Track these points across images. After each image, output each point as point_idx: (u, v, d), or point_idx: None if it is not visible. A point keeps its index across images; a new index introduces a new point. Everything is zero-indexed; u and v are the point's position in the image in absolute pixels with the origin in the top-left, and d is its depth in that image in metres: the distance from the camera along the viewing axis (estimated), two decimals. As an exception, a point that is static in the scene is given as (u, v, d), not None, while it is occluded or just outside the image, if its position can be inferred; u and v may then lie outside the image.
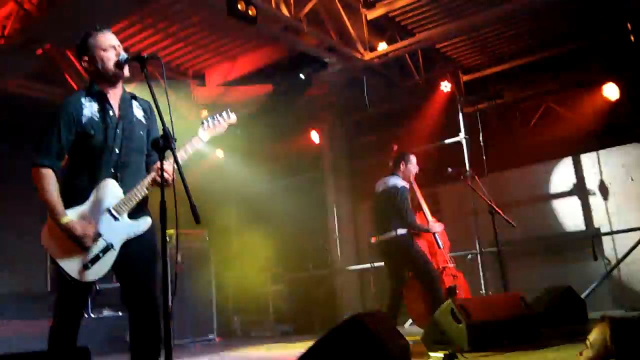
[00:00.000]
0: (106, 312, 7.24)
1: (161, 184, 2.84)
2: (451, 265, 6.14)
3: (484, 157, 8.06)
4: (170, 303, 2.69)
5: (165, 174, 2.87)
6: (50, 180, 2.97)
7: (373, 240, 6.11)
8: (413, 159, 6.12)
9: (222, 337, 8.09)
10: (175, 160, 2.81)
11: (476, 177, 6.14)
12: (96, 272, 2.94)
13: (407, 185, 5.96)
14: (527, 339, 4.49)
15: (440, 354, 3.76)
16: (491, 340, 4.41)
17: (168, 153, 2.84)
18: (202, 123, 3.31)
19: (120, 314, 7.07)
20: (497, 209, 5.68)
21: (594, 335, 2.00)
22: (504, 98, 8.67)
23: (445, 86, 8.14)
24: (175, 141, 2.83)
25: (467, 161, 8.16)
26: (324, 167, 9.58)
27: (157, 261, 3.13)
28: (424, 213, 6.15)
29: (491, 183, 7.98)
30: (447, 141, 8.27)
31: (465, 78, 8.67)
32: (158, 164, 3.01)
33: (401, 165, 6.05)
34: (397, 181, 5.93)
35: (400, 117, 8.91)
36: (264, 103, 8.49)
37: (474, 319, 4.48)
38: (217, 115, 3.35)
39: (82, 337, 3.07)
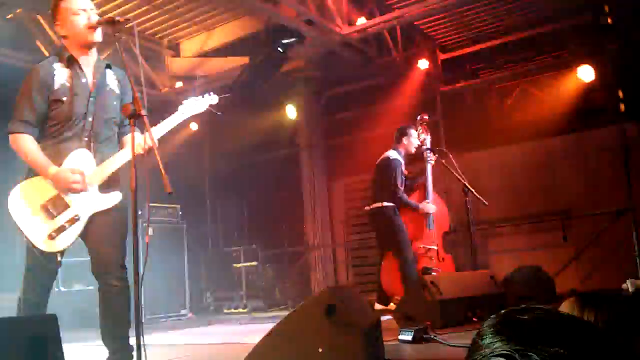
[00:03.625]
0: (76, 286, 7.15)
1: (132, 153, 2.77)
2: (435, 247, 6.10)
3: (459, 136, 8.10)
4: (141, 276, 2.64)
5: (137, 146, 2.82)
6: (29, 142, 2.94)
7: (366, 209, 6.27)
8: (414, 132, 6.16)
9: (194, 312, 8.07)
10: (147, 128, 2.76)
11: (450, 156, 6.16)
12: (61, 242, 2.89)
13: (401, 159, 6.03)
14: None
15: (412, 330, 3.78)
16: (461, 316, 4.48)
17: (140, 123, 2.79)
18: (183, 102, 3.26)
19: (90, 287, 6.98)
20: (470, 187, 5.71)
21: (562, 310, 2.00)
22: (480, 78, 8.70)
23: (423, 64, 8.12)
24: (148, 110, 2.76)
25: (442, 139, 8.20)
26: (300, 142, 9.52)
27: (125, 234, 3.09)
28: (426, 191, 6.13)
29: (465, 162, 8.03)
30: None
31: (443, 56, 8.65)
32: (128, 137, 2.96)
33: (403, 140, 6.13)
34: (391, 154, 6.05)
35: (377, 94, 8.88)
36: (239, 76, 8.36)
37: (445, 295, 4.53)
38: (200, 96, 3.31)
39: (51, 311, 3.02)
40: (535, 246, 7.58)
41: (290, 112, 9.30)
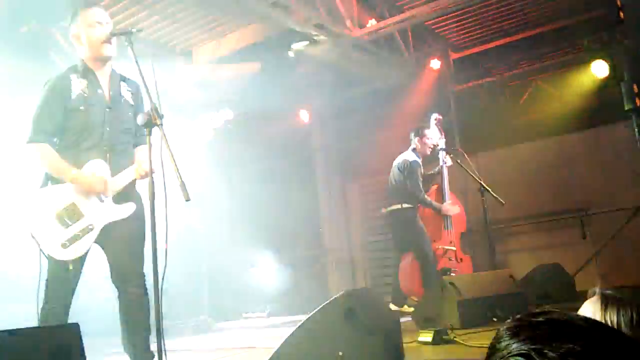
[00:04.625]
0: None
1: (149, 162, 2.80)
2: (453, 248, 6.11)
3: (474, 136, 8.05)
4: (160, 283, 2.67)
5: (142, 169, 2.89)
6: (47, 150, 2.99)
7: (383, 211, 6.36)
8: (428, 132, 6.18)
9: (214, 317, 8.09)
10: (163, 137, 2.79)
11: (466, 156, 6.13)
12: (75, 251, 2.93)
13: (419, 160, 6.07)
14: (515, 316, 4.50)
15: (431, 331, 3.77)
16: (481, 316, 4.45)
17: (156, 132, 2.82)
18: (199, 117, 3.29)
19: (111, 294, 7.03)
20: (486, 187, 5.68)
21: (582, 312, 1.98)
22: (494, 76, 8.65)
23: (435, 64, 8.09)
24: (163, 117, 2.79)
25: (457, 140, 8.16)
26: (314, 145, 9.53)
27: (143, 243, 3.12)
28: (442, 193, 6.16)
29: (480, 162, 8.00)
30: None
31: (455, 56, 8.61)
32: (139, 151, 3.02)
33: (417, 140, 6.18)
34: (409, 156, 6.10)
35: (389, 95, 8.86)
36: (251, 81, 8.39)
37: (464, 296, 4.51)
38: (215, 112, 3.34)
39: (74, 318, 3.05)
40: (554, 244, 7.50)
41: (304, 115, 9.31)
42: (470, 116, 8.50)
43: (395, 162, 6.22)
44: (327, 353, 2.52)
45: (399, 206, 5.98)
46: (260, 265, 8.73)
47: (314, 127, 9.42)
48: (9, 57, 6.82)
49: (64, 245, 2.90)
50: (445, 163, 6.15)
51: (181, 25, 7.60)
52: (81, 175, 2.92)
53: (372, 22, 7.30)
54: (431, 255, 5.87)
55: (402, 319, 5.26)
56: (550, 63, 8.27)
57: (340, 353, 2.52)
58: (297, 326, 2.66)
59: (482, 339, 3.77)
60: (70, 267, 2.95)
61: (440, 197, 6.13)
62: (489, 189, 5.67)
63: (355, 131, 9.51)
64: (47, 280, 3.00)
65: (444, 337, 3.76)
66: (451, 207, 6.07)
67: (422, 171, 6.12)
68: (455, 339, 3.73)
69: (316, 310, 2.63)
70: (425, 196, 5.98)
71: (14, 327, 2.71)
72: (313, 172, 9.47)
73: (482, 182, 5.71)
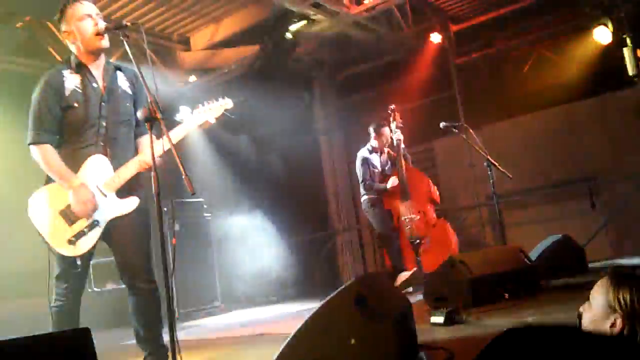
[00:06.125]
0: (109, 286, 7.24)
1: (152, 157, 2.78)
2: (416, 217, 6.47)
3: (478, 109, 7.98)
4: (170, 275, 2.66)
5: (144, 161, 2.86)
6: (50, 152, 2.97)
7: None
8: (385, 130, 6.67)
9: (226, 304, 8.13)
10: (164, 131, 2.77)
11: (470, 130, 6.06)
12: (81, 247, 2.93)
13: (367, 155, 6.68)
14: (527, 291, 4.49)
15: (442, 313, 3.75)
16: (492, 293, 4.41)
17: (157, 126, 2.79)
18: (198, 107, 3.24)
19: (123, 286, 7.06)
20: (492, 160, 5.63)
21: (596, 291, 1.95)
22: (495, 47, 8.53)
23: (435, 37, 7.98)
24: (162, 112, 2.75)
25: (460, 114, 8.09)
26: (318, 126, 9.48)
27: (149, 237, 3.11)
28: (397, 172, 6.62)
29: (485, 134, 7.93)
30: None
31: (455, 28, 8.49)
32: (144, 139, 2.99)
33: (373, 135, 6.71)
34: (361, 151, 6.76)
35: (391, 72, 8.78)
36: (251, 65, 8.32)
37: (474, 273, 4.48)
38: (214, 100, 3.28)
39: (86, 312, 3.08)
40: (563, 215, 7.46)
41: (306, 96, 9.24)
42: (473, 89, 8.41)
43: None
44: (339, 341, 2.51)
45: (361, 198, 6.68)
46: (269, 251, 8.73)
47: (316, 108, 9.36)
48: (8, 54, 6.80)
49: (70, 242, 2.90)
50: (398, 139, 6.55)
51: (177, 11, 7.53)
52: (79, 190, 2.89)
53: (369, -1, 7.20)
54: (388, 235, 6.46)
55: (414, 299, 5.29)
56: (552, 31, 8.11)
57: (353, 341, 2.50)
58: (310, 314, 2.65)
59: (494, 316, 3.76)
60: (78, 263, 2.95)
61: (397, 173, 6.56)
62: (496, 163, 5.61)
63: (358, 110, 9.45)
64: (56, 276, 3.01)
65: (456, 317, 3.74)
66: (391, 180, 6.48)
67: (376, 161, 6.69)
68: (467, 318, 3.72)
69: (327, 299, 2.61)
70: (372, 183, 6.55)
71: (32, 322, 2.74)
72: (318, 153, 9.43)
73: (487, 156, 5.66)
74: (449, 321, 3.71)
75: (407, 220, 6.47)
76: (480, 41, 8.59)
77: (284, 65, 7.94)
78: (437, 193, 6.75)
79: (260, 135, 9.48)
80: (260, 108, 9.05)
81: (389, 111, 6.71)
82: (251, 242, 9.07)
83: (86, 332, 1.69)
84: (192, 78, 8.69)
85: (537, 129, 7.84)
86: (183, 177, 2.61)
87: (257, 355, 3.16)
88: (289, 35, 7.66)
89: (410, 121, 7.45)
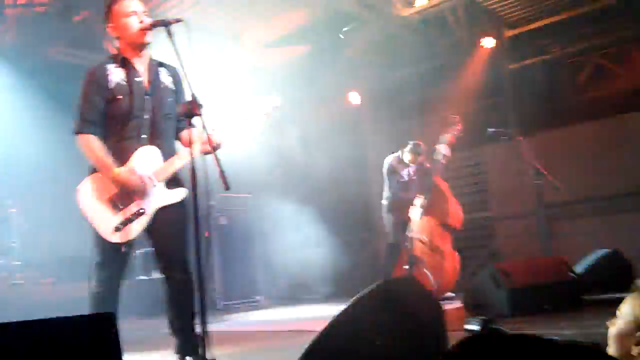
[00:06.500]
0: (155, 275, 7.41)
1: (190, 151, 2.83)
2: (422, 237, 6.43)
3: (529, 116, 7.79)
4: (203, 267, 2.70)
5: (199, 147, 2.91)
6: (93, 142, 3.04)
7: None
8: (421, 154, 6.76)
9: (268, 299, 8.22)
10: (204, 127, 2.82)
11: (520, 138, 5.93)
12: (127, 235, 2.99)
13: (395, 164, 6.84)
14: (569, 305, 4.37)
15: (478, 319, 3.68)
16: (532, 305, 4.32)
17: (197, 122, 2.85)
18: (244, 104, 3.30)
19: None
20: (542, 169, 5.49)
21: (624, 307, 1.89)
22: (550, 54, 8.29)
23: (488, 42, 7.84)
24: (202, 107, 2.80)
25: (511, 120, 7.92)
26: (364, 128, 9.46)
27: (187, 229, 3.15)
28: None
29: (537, 142, 7.73)
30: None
31: (509, 33, 8.29)
32: (186, 133, 3.05)
33: (410, 152, 6.79)
34: (390, 158, 6.93)
35: (442, 76, 8.67)
36: (301, 65, 8.37)
37: (515, 283, 4.39)
38: (261, 97, 3.33)
39: (131, 299, 3.16)
40: (613, 229, 7.17)
41: (354, 98, 9.23)
42: (525, 95, 8.21)
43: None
44: (365, 342, 2.49)
45: (382, 201, 6.93)
46: (313, 249, 8.76)
47: (364, 109, 9.34)
48: (65, 46, 7.05)
49: (117, 229, 2.97)
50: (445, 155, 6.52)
51: (230, 9, 7.63)
52: (121, 175, 2.96)
53: (421, 1, 7.13)
54: (394, 244, 6.64)
55: (453, 305, 5.22)
56: (610, 40, 7.83)
57: (378, 343, 2.49)
58: (336, 315, 2.64)
59: (530, 327, 3.67)
60: (123, 250, 3.02)
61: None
62: (544, 172, 5.48)
63: (407, 112, 9.37)
64: (100, 262, 3.08)
65: (492, 326, 3.66)
66: (413, 210, 6.43)
67: (404, 172, 6.83)
68: (502, 328, 3.63)
69: (354, 298, 2.60)
70: (393, 192, 6.75)
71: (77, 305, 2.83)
72: (364, 154, 9.40)
73: (536, 165, 5.52)
74: (484, 329, 3.63)
75: (413, 238, 6.37)
76: (535, 47, 8.37)
77: (333, 65, 7.96)
78: (460, 216, 6.53)
79: (307, 134, 9.51)
80: (308, 107, 9.12)
81: (452, 121, 6.64)
82: (295, 238, 9.12)
83: (110, 317, 1.72)
84: (242, 75, 8.82)
85: (591, 139, 7.57)
86: (218, 172, 2.66)
87: (286, 351, 3.18)
88: (341, 36, 7.68)
89: (459, 126, 7.34)
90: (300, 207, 9.04)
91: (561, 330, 3.42)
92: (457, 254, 6.47)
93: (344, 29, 7.62)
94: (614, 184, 7.32)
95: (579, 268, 5.18)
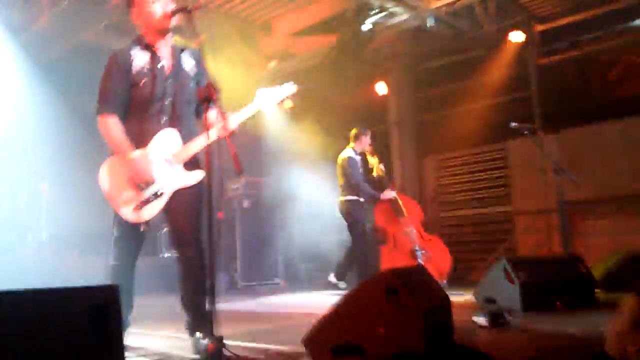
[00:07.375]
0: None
1: (207, 134, 2.92)
2: (414, 230, 6.70)
3: (556, 112, 7.70)
4: (214, 247, 2.80)
5: (224, 126, 2.99)
6: (113, 123, 3.13)
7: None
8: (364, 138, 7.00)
9: (289, 283, 8.34)
10: (219, 111, 2.91)
11: (542, 133, 5.89)
12: (146, 214, 3.10)
13: (355, 157, 6.92)
14: (581, 303, 4.36)
15: (487, 313, 3.71)
16: (545, 301, 4.32)
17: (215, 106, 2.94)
18: (261, 91, 3.34)
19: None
20: (561, 166, 5.45)
21: (623, 309, 1.92)
22: (581, 50, 8.16)
23: (517, 36, 7.75)
24: (219, 92, 2.89)
25: (537, 116, 7.85)
26: (390, 119, 9.47)
27: (201, 211, 3.25)
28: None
29: (562, 139, 7.66)
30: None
31: (539, 28, 8.18)
32: (210, 116, 3.14)
33: (356, 140, 7.01)
34: (348, 152, 6.93)
35: (469, 69, 8.62)
36: (329, 54, 8.39)
37: (528, 278, 4.39)
38: (278, 86, 3.38)
39: (155, 275, 3.27)
40: (636, 229, 7.08)
41: (381, 88, 9.24)
42: (553, 91, 8.11)
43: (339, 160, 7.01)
44: (367, 329, 2.56)
45: (343, 198, 6.89)
46: (334, 236, 8.81)
47: (390, 100, 9.34)
48: (98, 33, 7.21)
49: (136, 208, 3.07)
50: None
51: (261, -1, 7.68)
52: (135, 161, 3.06)
53: (450, -7, 7.08)
54: (364, 246, 6.73)
55: (465, 297, 5.25)
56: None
57: (381, 329, 2.55)
58: (339, 299, 2.71)
59: (539, 323, 3.68)
60: (141, 230, 3.13)
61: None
62: (564, 169, 5.43)
63: (433, 105, 9.35)
64: (118, 238, 3.23)
65: (500, 319, 3.70)
66: (387, 192, 6.78)
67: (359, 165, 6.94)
68: (511, 322, 3.67)
69: (357, 286, 2.67)
70: (361, 184, 6.79)
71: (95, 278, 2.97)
72: (388, 145, 9.41)
73: (555, 162, 5.48)
74: (492, 322, 3.66)
75: (411, 232, 6.65)
76: (565, 43, 8.25)
77: (360, 55, 7.97)
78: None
79: (332, 124, 9.54)
80: (334, 97, 9.16)
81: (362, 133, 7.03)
82: (317, 225, 9.19)
83: (113, 289, 1.80)
84: (272, 64, 8.90)
85: (617, 137, 7.47)
86: (232, 155, 2.75)
87: (294, 333, 3.26)
88: (367, 27, 7.67)
89: (484, 120, 7.32)
90: (321, 194, 9.11)
91: (568, 328, 3.43)
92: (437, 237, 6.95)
93: (371, 20, 7.60)
94: (637, 184, 7.20)
95: (598, 267, 5.15)
